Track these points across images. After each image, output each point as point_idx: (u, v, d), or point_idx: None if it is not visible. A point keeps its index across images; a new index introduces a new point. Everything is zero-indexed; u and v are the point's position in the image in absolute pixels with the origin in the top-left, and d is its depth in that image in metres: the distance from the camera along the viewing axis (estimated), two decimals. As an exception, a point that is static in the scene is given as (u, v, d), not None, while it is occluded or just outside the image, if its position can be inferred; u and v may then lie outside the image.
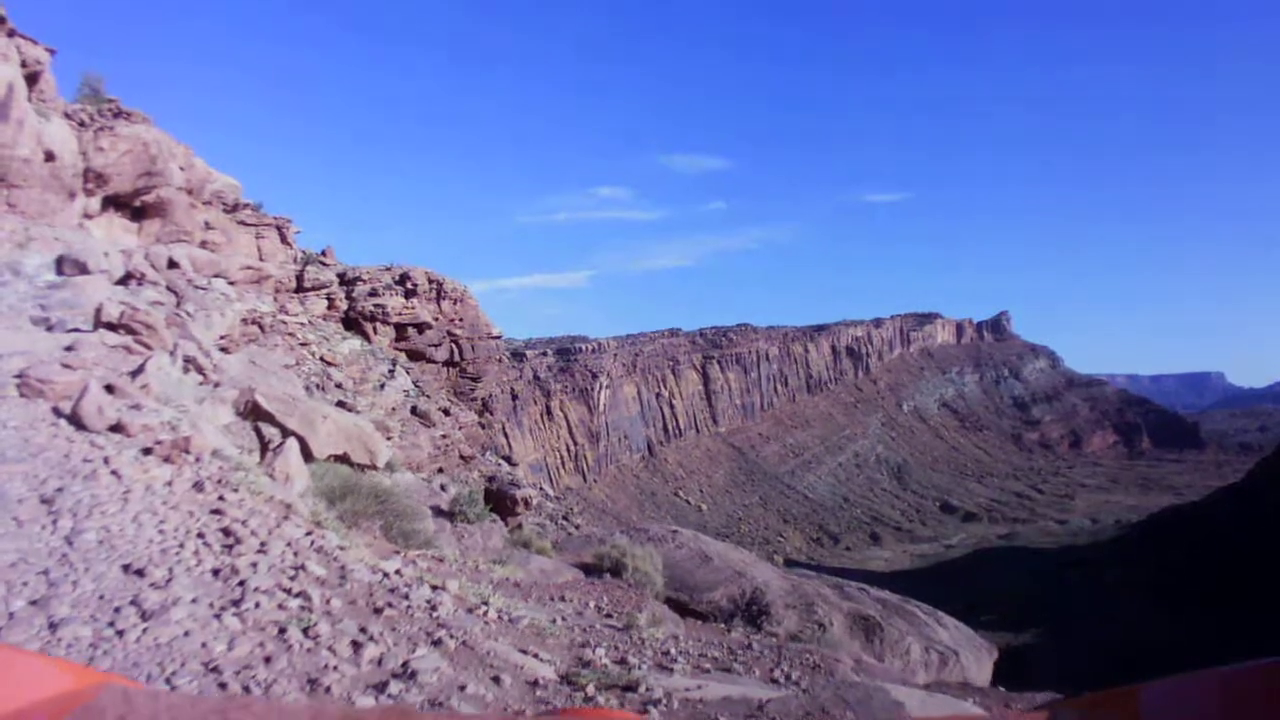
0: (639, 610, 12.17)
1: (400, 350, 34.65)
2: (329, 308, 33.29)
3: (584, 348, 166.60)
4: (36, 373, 10.32)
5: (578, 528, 39.69)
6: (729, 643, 12.07)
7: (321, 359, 26.50)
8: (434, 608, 7.36)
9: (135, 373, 12.02)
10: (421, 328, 36.20)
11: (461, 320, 39.05)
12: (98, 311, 13.91)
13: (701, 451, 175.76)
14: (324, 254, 38.06)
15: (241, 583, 6.48)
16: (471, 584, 9.59)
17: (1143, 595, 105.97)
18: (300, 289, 32.16)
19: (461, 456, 28.78)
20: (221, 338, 18.85)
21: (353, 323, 34.08)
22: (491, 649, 6.96)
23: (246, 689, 5.12)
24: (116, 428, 9.54)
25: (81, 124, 20.95)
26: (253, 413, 13.99)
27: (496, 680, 6.41)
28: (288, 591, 6.56)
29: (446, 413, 30.36)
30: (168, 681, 4.98)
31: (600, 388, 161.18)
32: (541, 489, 43.03)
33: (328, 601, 6.64)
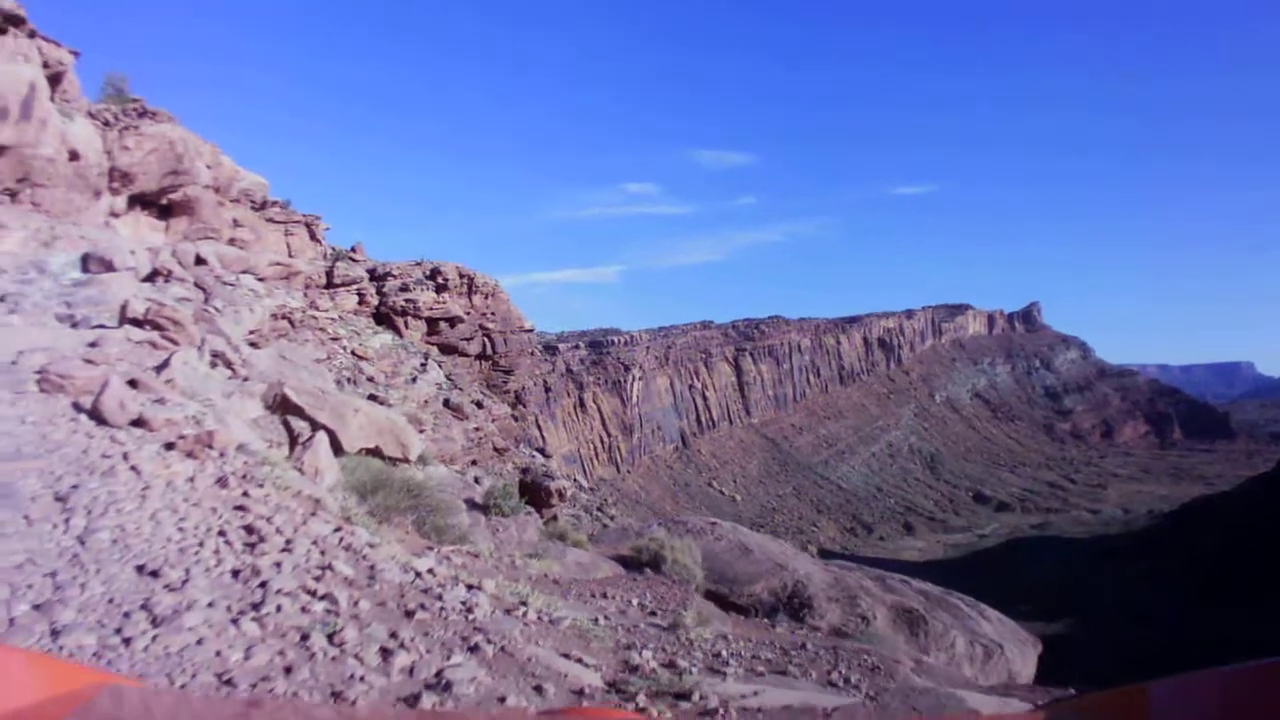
0: (684, 607, 11.66)
1: (432, 344, 34.30)
2: (360, 303, 33.01)
3: (616, 340, 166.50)
4: (57, 368, 9.97)
5: (612, 519, 39.45)
6: (779, 641, 11.54)
7: (353, 353, 26.20)
8: (470, 609, 6.86)
9: (160, 367, 11.67)
10: (453, 322, 35.86)
11: (493, 314, 38.70)
12: (123, 308, 13.62)
13: (735, 442, 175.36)
14: (354, 250, 37.86)
15: (263, 584, 6.02)
16: (509, 582, 9.10)
17: (1175, 585, 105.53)
18: (330, 285, 31.90)
19: (495, 449, 28.41)
20: (251, 333, 18.57)
21: (384, 318, 33.78)
22: (532, 655, 6.45)
23: (263, 703, 4.65)
24: (138, 422, 9.16)
25: (106, 123, 20.78)
26: (282, 406, 13.61)
27: (539, 690, 5.90)
28: (312, 594, 6.08)
29: (479, 405, 30.01)
30: (178, 696, 4.51)
31: (633, 380, 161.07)
32: (576, 481, 42.74)
33: (355, 604, 6.16)
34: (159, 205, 22.69)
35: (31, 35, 17.90)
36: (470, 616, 6.74)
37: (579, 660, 7.07)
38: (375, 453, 14.14)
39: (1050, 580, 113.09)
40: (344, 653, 5.41)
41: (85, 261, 16.02)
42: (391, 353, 29.14)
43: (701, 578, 17.65)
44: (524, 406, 39.93)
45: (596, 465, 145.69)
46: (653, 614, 11.33)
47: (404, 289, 34.81)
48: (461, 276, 38.11)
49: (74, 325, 13.24)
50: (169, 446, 8.74)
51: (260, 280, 23.38)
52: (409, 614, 6.35)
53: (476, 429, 27.37)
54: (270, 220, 29.74)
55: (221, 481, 8.17)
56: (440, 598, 6.90)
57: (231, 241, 25.20)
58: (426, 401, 26.49)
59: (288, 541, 6.95)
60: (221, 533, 6.88)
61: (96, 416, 9.02)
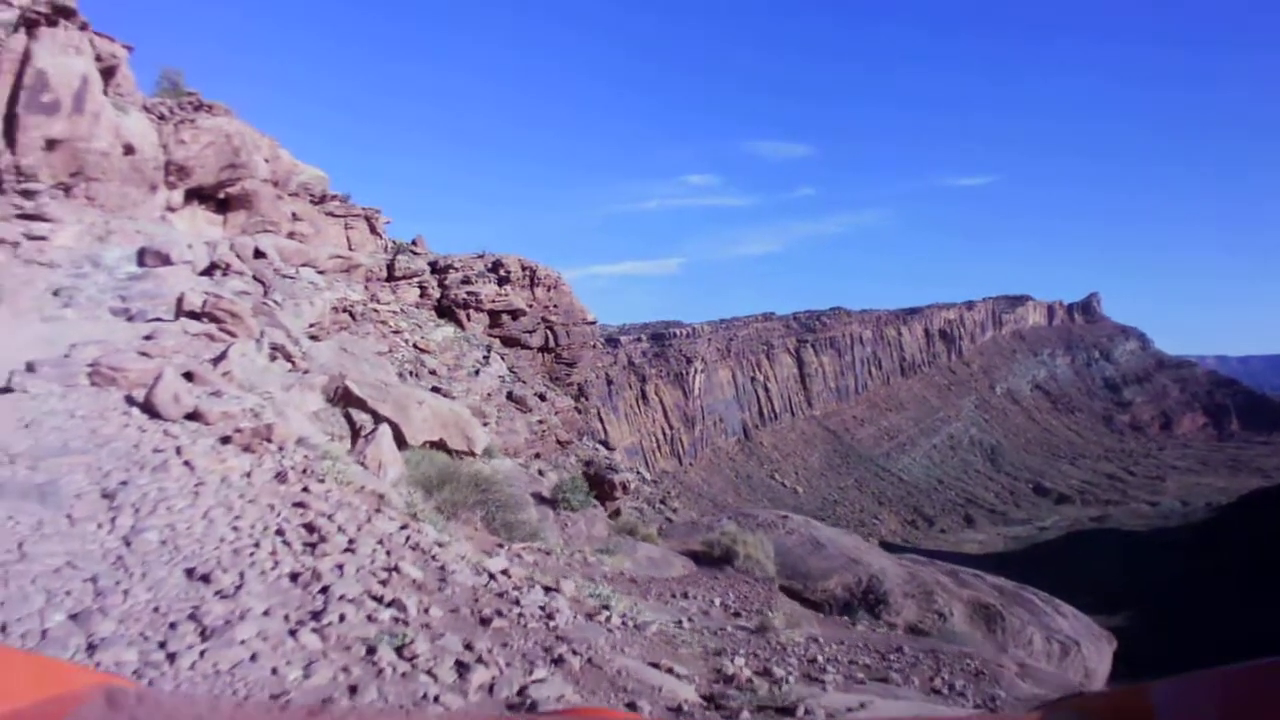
0: (769, 607, 10.98)
1: (494, 337, 33.89)
2: (421, 296, 32.70)
3: (678, 333, 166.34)
4: (110, 361, 9.56)
5: (675, 511, 38.91)
6: (872, 643, 10.79)
7: (414, 346, 25.84)
8: (550, 616, 6.21)
9: (217, 360, 11.26)
10: (515, 314, 35.44)
11: (555, 306, 38.25)
12: (179, 301, 13.29)
13: (796, 434, 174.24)
14: (414, 243, 37.57)
15: (324, 589, 5.43)
16: (586, 582, 8.44)
17: (1234, 578, 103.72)
18: (391, 278, 31.61)
19: (558, 441, 27.94)
20: (311, 326, 18.23)
21: (446, 310, 33.41)
22: (622, 666, 5.78)
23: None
24: (193, 416, 8.70)
25: (161, 117, 20.56)
26: (343, 399, 13.18)
27: (632, 707, 5.23)
28: (379, 600, 5.48)
29: (542, 398, 29.54)
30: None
31: (695, 372, 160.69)
32: (638, 473, 42.03)
33: (426, 611, 5.54)
34: (216, 199, 22.47)
35: (83, 28, 17.68)
36: (551, 623, 6.10)
37: (670, 670, 6.39)
38: (439, 445, 13.67)
39: (1110, 573, 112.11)
40: (415, 668, 4.78)
41: (141, 255, 15.75)
42: (453, 345, 28.77)
43: (774, 573, 17.21)
44: (586, 399, 39.43)
45: (658, 458, 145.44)
46: (736, 614, 10.67)
47: (466, 281, 34.42)
48: (524, 269, 37.67)
49: (129, 319, 12.92)
50: (225, 440, 8.26)
51: (320, 273, 23.05)
52: (484, 621, 5.72)
53: (540, 422, 26.92)
54: (330, 214, 29.51)
55: (280, 476, 7.65)
56: (517, 602, 6.27)
57: (290, 235, 24.93)
58: (489, 394, 26.06)
59: (350, 541, 6.38)
60: (279, 532, 6.33)
61: (149, 410, 8.57)
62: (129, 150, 18.40)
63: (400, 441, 12.42)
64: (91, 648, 4.29)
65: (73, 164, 16.78)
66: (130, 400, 8.82)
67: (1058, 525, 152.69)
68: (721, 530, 18.94)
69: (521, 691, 4.89)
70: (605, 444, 41.63)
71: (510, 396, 27.28)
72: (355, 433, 12.36)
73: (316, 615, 5.05)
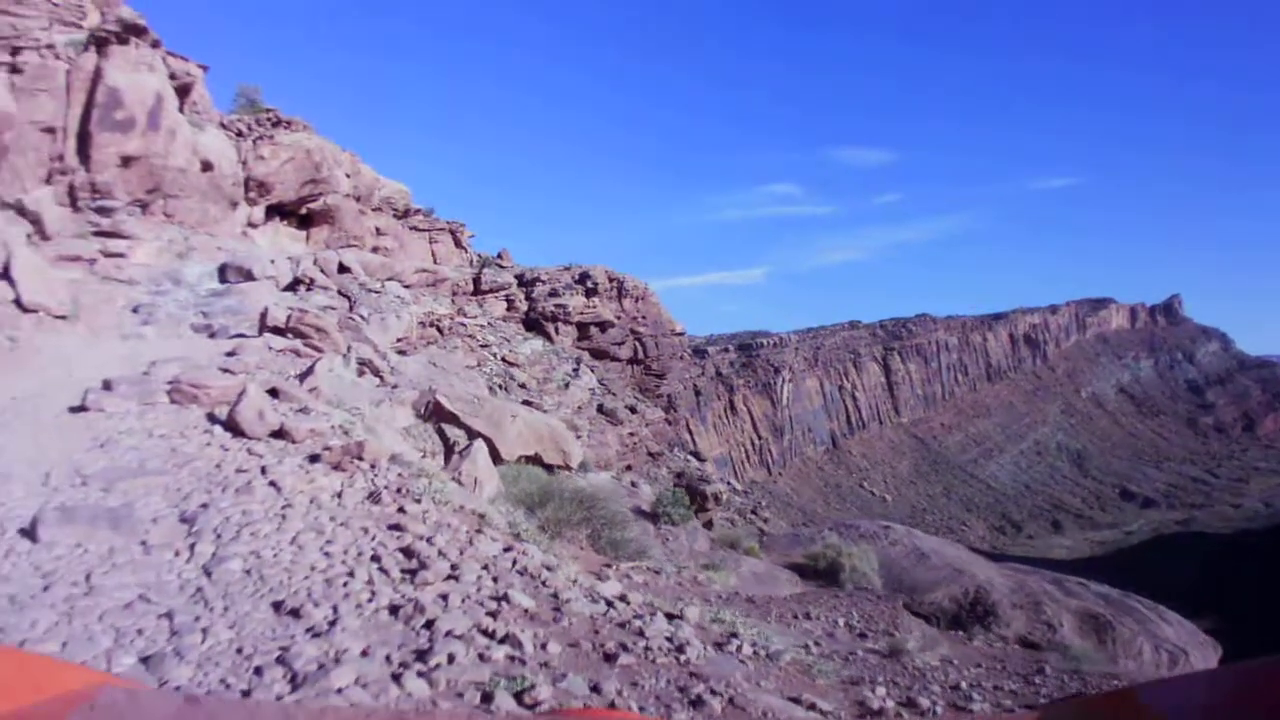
0: (896, 628, 10.08)
1: (583, 349, 33.48)
2: (508, 309, 32.42)
3: (765, 343, 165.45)
4: (190, 378, 9.14)
5: (766, 521, 38.23)
6: (1013, 664, 9.80)
7: (503, 360, 25.47)
8: (679, 648, 5.46)
9: (303, 376, 10.82)
10: (604, 326, 34.99)
11: (644, 318, 37.78)
12: (263, 316, 12.98)
13: (885, 443, 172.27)
14: (500, 256, 37.43)
15: (429, 624, 4.77)
16: (706, 605, 7.68)
17: None
18: (478, 291, 31.36)
19: (650, 453, 27.37)
20: (399, 340, 17.91)
21: (533, 323, 33.11)
22: (765, 706, 5.00)
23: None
24: (279, 433, 8.20)
25: (239, 134, 20.58)
26: (435, 414, 12.67)
27: (789, 757, 4.43)
28: (490, 635, 4.79)
29: (633, 410, 28.95)
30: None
31: (783, 382, 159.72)
32: (729, 484, 41.27)
33: (543, 647, 4.84)
34: (298, 215, 22.42)
35: (155, 45, 17.69)
36: (681, 657, 5.35)
37: (813, 707, 5.61)
38: (535, 460, 13.10)
39: (1194, 576, 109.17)
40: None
41: (223, 271, 15.57)
42: (542, 359, 28.35)
43: (879, 585, 16.81)
44: (675, 410, 38.87)
45: (747, 468, 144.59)
46: (862, 636, 9.82)
47: (553, 294, 34.08)
48: (611, 280, 37.29)
49: (211, 335, 12.64)
50: (313, 459, 7.73)
51: (406, 287, 22.85)
52: (609, 658, 4.99)
53: (631, 434, 26.37)
54: (414, 228, 29.46)
55: (373, 497, 7.07)
56: (641, 633, 5.53)
57: (375, 250, 24.83)
58: (580, 407, 25.56)
59: (453, 566, 5.73)
60: (375, 558, 5.72)
61: (232, 427, 8.11)
62: (207, 167, 18.31)
63: (495, 457, 11.87)
64: (165, 700, 3.67)
65: (149, 181, 16.68)
66: (212, 418, 8.38)
67: (1143, 529, 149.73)
68: (825, 543, 18.46)
69: (663, 745, 4.14)
70: (696, 455, 40.89)
71: (601, 409, 26.79)
72: (449, 448, 11.85)
73: (422, 655, 4.38)
